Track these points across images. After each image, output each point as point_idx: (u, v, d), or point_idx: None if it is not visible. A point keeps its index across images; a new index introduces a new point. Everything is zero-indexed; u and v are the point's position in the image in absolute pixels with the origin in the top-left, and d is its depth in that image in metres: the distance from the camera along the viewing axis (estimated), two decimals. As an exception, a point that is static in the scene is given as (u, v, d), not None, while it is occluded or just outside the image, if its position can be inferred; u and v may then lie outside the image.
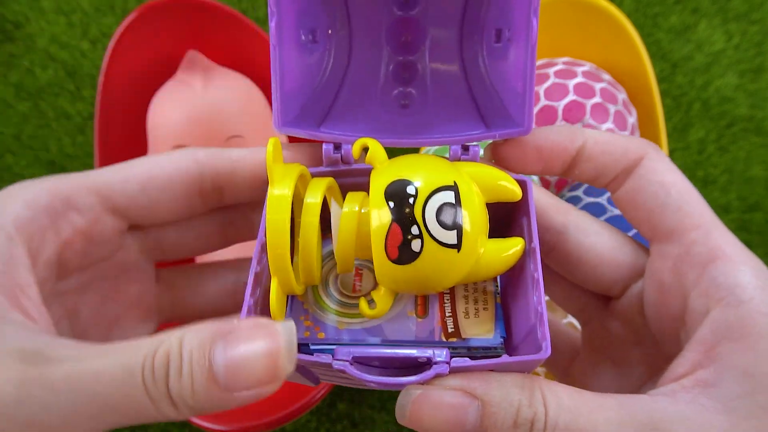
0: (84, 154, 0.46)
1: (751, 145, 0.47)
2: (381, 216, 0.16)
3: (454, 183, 0.17)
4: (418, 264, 0.16)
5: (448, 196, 0.16)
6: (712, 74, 0.47)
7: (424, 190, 0.16)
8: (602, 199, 0.37)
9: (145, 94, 0.40)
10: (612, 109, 0.39)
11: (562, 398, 0.15)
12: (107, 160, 0.40)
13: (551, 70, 0.40)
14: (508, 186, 0.18)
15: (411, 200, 0.16)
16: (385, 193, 0.16)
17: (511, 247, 0.18)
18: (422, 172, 0.17)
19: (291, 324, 0.15)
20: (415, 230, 0.16)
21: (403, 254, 0.16)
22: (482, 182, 0.18)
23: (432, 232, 0.16)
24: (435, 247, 0.16)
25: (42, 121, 0.46)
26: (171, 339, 0.14)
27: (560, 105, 0.39)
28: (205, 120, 0.37)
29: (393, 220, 0.16)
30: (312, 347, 0.18)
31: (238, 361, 0.14)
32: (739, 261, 0.17)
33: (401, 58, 0.20)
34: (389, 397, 0.43)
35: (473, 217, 0.17)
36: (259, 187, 0.20)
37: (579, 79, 0.39)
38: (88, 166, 0.46)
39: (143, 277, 0.22)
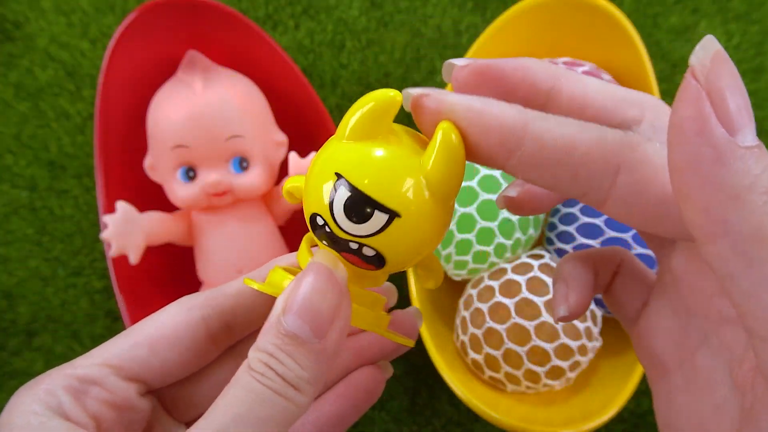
0: (84, 154, 0.46)
1: (751, 145, 0.47)
2: None
3: None
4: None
5: None
6: (712, 74, 0.47)
7: None
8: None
9: (145, 94, 0.39)
10: (612, 109, 0.39)
11: None
12: (107, 160, 0.40)
13: (551, 70, 0.40)
14: None
15: None
16: None
17: None
18: None
19: (320, 250, 0.17)
20: None
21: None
22: None
23: None
24: None
25: (42, 120, 0.46)
26: (253, 355, 0.16)
27: (560, 105, 0.39)
28: (205, 120, 0.37)
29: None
30: None
31: (304, 306, 0.16)
32: None
33: None
34: (389, 397, 0.43)
35: None
36: (265, 311, 0.20)
37: (579, 79, 0.39)
38: (88, 166, 0.46)
39: None
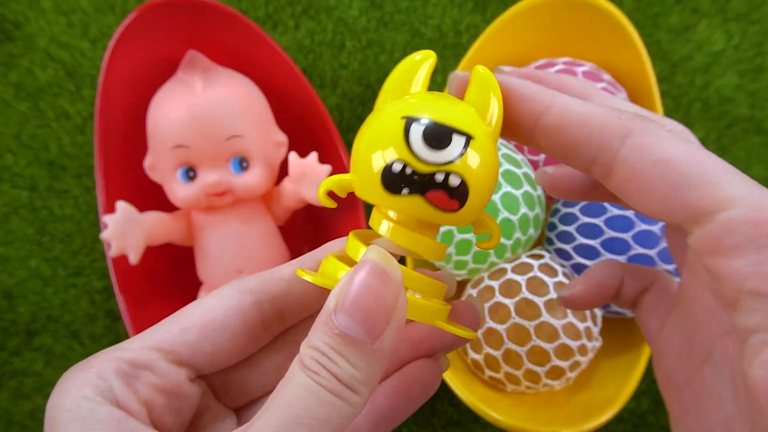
0: (84, 154, 0.46)
1: (752, 145, 0.47)
2: None
3: None
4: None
5: None
6: (712, 74, 0.47)
7: None
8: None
9: (145, 94, 0.39)
10: (612, 109, 0.39)
11: None
12: (107, 160, 0.40)
13: (551, 70, 0.40)
14: None
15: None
16: None
17: None
18: None
19: (372, 247, 0.16)
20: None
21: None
22: None
23: None
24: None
25: (42, 120, 0.46)
26: (305, 352, 0.15)
27: (560, 105, 0.39)
28: (205, 120, 0.37)
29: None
30: None
31: (356, 306, 0.15)
32: None
33: None
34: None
35: None
36: (318, 298, 0.19)
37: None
38: (88, 166, 0.46)
39: (227, 427, 0.20)
